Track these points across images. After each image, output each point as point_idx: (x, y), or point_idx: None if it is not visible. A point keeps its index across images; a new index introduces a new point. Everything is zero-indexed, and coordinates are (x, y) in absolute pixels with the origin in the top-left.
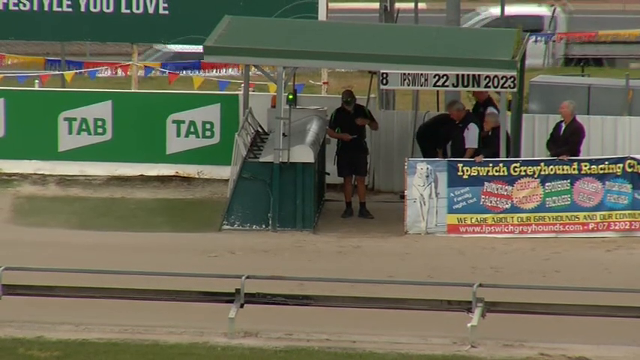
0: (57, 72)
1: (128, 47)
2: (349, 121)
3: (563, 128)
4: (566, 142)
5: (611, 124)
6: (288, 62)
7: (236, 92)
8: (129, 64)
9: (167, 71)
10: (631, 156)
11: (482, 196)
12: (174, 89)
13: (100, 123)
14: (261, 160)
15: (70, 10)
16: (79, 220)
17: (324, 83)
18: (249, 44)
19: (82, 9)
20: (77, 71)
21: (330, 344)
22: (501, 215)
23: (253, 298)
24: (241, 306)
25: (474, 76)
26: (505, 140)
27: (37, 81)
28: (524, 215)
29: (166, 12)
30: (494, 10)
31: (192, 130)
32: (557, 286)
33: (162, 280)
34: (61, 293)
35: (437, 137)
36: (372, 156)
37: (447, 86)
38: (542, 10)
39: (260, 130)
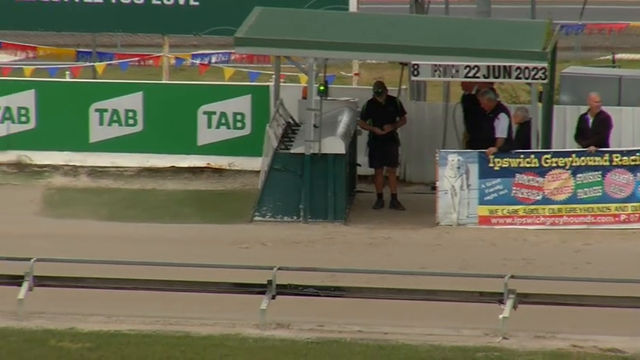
0: (88, 63)
1: (159, 38)
2: (381, 113)
3: (590, 120)
4: (595, 133)
5: None
6: (319, 54)
7: (267, 83)
8: (160, 56)
9: (198, 62)
10: None
11: (514, 188)
12: (205, 80)
13: (131, 114)
14: (292, 151)
15: (101, 1)
16: (109, 211)
17: (355, 74)
18: (280, 35)
19: (113, 0)
20: (108, 62)
21: (362, 336)
22: (532, 207)
23: (285, 290)
24: (273, 297)
25: (504, 67)
26: (535, 134)
27: (67, 72)
28: (555, 207)
29: (197, 3)
30: None
31: (223, 121)
32: (589, 278)
33: (194, 271)
34: (92, 285)
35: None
36: (403, 147)
37: (478, 77)
38: None
39: (291, 121)
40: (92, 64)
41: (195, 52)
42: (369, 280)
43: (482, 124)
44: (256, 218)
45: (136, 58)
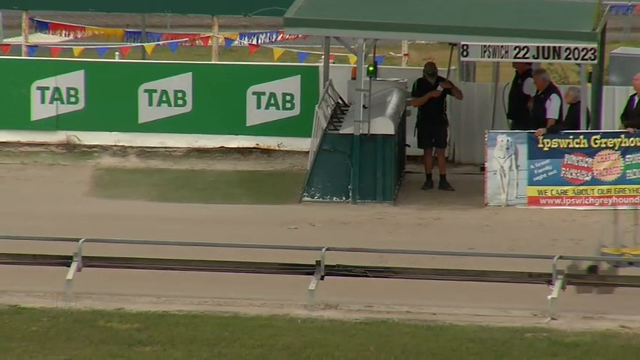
0: (137, 44)
1: (208, 19)
2: (430, 91)
3: (636, 101)
4: (638, 114)
5: None
6: (369, 34)
7: (316, 64)
8: (209, 36)
9: (247, 43)
10: None
11: (563, 168)
12: (254, 61)
13: (180, 95)
14: (341, 132)
15: None
16: (159, 192)
17: (404, 55)
18: (330, 16)
19: None
20: (157, 43)
21: (410, 316)
22: (581, 187)
23: (333, 270)
24: (321, 278)
25: (554, 48)
26: (585, 115)
27: (117, 53)
28: (604, 187)
29: None
30: None
31: (272, 102)
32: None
33: (242, 252)
34: (141, 265)
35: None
36: (452, 128)
37: (528, 58)
38: None
39: (340, 102)
40: (141, 44)
41: (244, 32)
42: (417, 260)
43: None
44: (305, 199)
45: (185, 39)
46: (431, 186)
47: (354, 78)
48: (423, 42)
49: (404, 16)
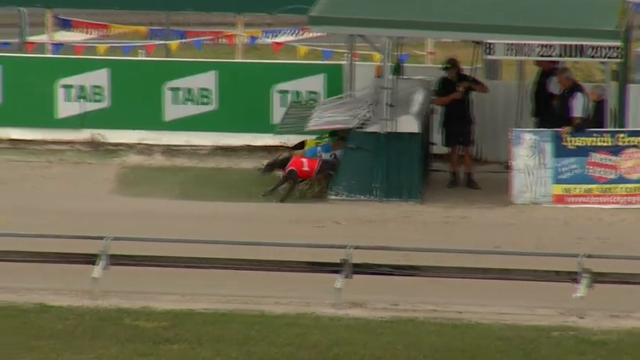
0: (161, 42)
1: (232, 17)
2: (453, 91)
3: None
4: None
5: None
6: (394, 32)
7: (340, 62)
8: (233, 34)
9: (270, 41)
10: None
11: (588, 167)
12: (279, 59)
13: (204, 93)
14: (367, 130)
15: None
16: (184, 190)
17: (429, 53)
18: (354, 14)
19: None
20: (182, 41)
21: (436, 315)
22: (607, 186)
23: (360, 269)
24: (347, 276)
25: (578, 46)
26: (610, 113)
27: (141, 51)
28: (630, 186)
29: None
30: None
31: (297, 100)
32: None
33: (268, 250)
34: (167, 263)
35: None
36: (477, 126)
37: (552, 56)
38: None
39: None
40: (166, 42)
41: (267, 29)
42: (443, 259)
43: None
44: (331, 197)
45: (212, 37)
46: (457, 184)
47: (378, 76)
48: (448, 40)
49: (428, 14)
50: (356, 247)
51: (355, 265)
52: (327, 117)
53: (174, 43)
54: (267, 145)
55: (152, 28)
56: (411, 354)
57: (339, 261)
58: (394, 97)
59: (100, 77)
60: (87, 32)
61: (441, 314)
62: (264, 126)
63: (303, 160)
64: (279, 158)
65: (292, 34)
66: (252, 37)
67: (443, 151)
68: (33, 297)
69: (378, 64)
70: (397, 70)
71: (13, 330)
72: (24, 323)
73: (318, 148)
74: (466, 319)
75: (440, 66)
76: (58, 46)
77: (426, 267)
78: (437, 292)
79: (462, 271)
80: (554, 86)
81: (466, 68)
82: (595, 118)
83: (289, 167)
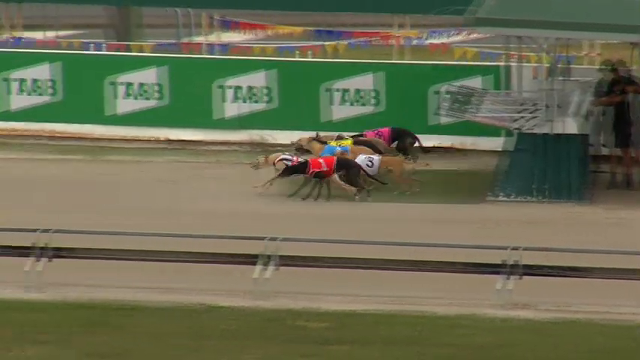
0: (325, 42)
1: (387, 17)
2: (620, 92)
3: None
4: None
5: None
6: (562, 34)
7: (497, 63)
8: (390, 34)
9: (429, 41)
10: None
11: None
12: (433, 60)
13: (362, 94)
14: (532, 131)
15: None
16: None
17: (596, 55)
18: (519, 15)
19: None
20: (346, 41)
21: (607, 317)
22: None
23: (530, 270)
24: (508, 277)
25: None
26: None
27: (309, 52)
28: None
29: None
30: None
31: None
32: None
33: (427, 251)
34: (332, 264)
35: None
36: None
37: None
38: None
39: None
40: (328, 42)
41: (432, 30)
42: (608, 261)
43: None
44: (491, 198)
45: (371, 38)
46: (621, 185)
47: (535, 77)
48: (615, 41)
49: (593, 14)
50: (518, 248)
51: (526, 267)
52: (492, 111)
53: (340, 44)
54: (435, 145)
55: (317, 29)
56: (584, 356)
57: (499, 262)
58: (561, 99)
59: (264, 78)
60: (249, 33)
61: (613, 316)
62: (425, 126)
63: (321, 160)
64: (298, 162)
65: (449, 36)
66: (408, 37)
67: (606, 153)
68: (200, 297)
69: (535, 64)
70: (562, 71)
71: (181, 330)
72: (191, 324)
73: (338, 149)
74: (630, 320)
75: (603, 67)
76: (225, 47)
77: (594, 268)
78: (606, 294)
79: (629, 272)
80: None
81: (622, 70)
82: None
83: (312, 170)
